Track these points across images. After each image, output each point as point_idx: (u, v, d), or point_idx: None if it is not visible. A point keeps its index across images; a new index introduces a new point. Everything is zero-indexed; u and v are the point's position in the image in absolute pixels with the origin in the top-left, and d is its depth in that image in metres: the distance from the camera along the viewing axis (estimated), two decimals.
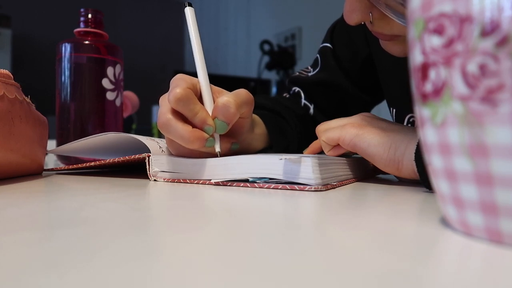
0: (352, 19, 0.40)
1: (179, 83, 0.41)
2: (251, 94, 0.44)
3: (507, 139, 0.16)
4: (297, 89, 0.69)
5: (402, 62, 0.52)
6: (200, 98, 0.43)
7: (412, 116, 0.58)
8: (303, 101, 0.68)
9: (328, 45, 0.68)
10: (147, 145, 0.43)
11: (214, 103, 0.42)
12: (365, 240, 0.18)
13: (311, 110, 0.68)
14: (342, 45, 0.68)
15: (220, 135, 0.42)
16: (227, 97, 0.41)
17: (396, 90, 0.61)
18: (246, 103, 0.42)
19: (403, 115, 0.59)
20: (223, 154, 0.41)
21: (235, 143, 0.44)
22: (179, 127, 0.39)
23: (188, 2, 0.45)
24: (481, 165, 0.17)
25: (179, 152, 0.43)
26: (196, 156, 0.42)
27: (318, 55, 0.69)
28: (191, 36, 0.46)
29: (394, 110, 0.62)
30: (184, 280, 0.13)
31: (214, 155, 0.41)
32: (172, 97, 0.39)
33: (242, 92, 0.43)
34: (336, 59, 0.67)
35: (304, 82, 0.69)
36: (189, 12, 0.45)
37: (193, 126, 0.40)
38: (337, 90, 0.67)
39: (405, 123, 0.58)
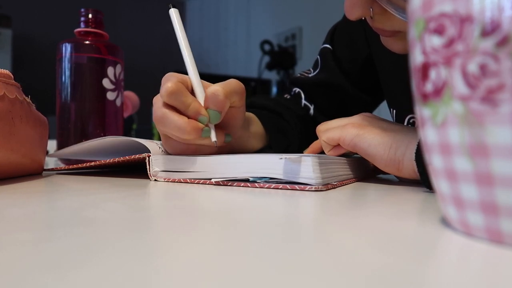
0: (353, 14, 0.40)
1: (169, 78, 0.41)
2: (241, 84, 0.44)
3: (507, 139, 0.16)
4: (297, 89, 0.69)
5: (402, 63, 0.54)
6: (192, 93, 0.43)
7: (413, 117, 0.58)
8: (303, 101, 0.69)
9: (328, 46, 0.69)
10: (146, 146, 0.43)
11: None
12: (365, 240, 0.18)
13: (311, 111, 0.68)
14: (343, 46, 0.68)
15: (214, 126, 0.43)
16: (215, 86, 0.42)
17: (397, 91, 0.62)
18: (236, 92, 0.43)
19: (404, 115, 0.60)
20: (219, 146, 0.42)
21: (228, 135, 0.45)
22: (175, 118, 0.40)
23: (172, 4, 0.47)
24: (482, 165, 0.17)
25: (175, 149, 0.44)
26: (193, 151, 0.42)
27: (318, 57, 0.70)
28: (177, 36, 0.47)
29: (394, 110, 0.62)
30: (184, 280, 0.13)
31: (210, 148, 0.42)
32: (164, 91, 0.40)
33: (232, 81, 0.43)
34: (336, 60, 0.68)
35: (304, 83, 0.69)
36: (173, 13, 0.47)
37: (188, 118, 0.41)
38: (337, 91, 0.67)
39: (405, 124, 0.58)
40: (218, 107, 0.41)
